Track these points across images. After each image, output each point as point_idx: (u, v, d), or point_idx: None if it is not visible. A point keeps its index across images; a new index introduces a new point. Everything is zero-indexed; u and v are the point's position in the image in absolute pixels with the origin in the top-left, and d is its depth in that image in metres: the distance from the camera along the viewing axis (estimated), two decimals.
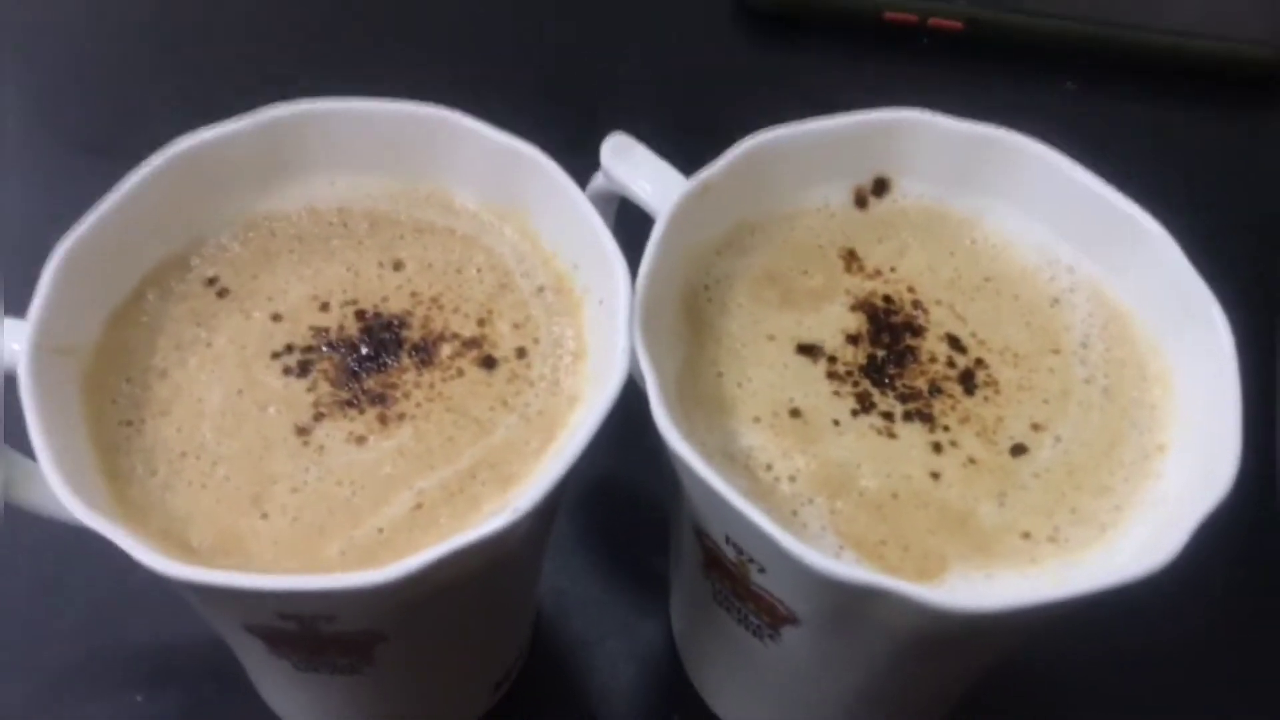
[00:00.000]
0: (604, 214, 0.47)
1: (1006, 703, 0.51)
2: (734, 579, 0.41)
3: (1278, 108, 0.82)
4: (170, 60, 0.79)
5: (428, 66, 0.76)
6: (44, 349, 0.38)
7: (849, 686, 0.43)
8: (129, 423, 0.39)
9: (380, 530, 0.37)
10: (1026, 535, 0.38)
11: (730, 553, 0.39)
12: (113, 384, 0.40)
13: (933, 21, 0.81)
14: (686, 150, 0.46)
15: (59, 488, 0.34)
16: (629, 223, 0.47)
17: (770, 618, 0.41)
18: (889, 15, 0.81)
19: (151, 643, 0.53)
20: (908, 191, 0.47)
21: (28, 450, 0.36)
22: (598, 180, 0.47)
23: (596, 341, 0.41)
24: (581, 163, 0.47)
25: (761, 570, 0.38)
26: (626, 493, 0.54)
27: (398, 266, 0.44)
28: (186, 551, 0.36)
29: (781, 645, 0.42)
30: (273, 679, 0.46)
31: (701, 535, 0.41)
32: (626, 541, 0.58)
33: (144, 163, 0.42)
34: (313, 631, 0.37)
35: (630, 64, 0.79)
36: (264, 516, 0.37)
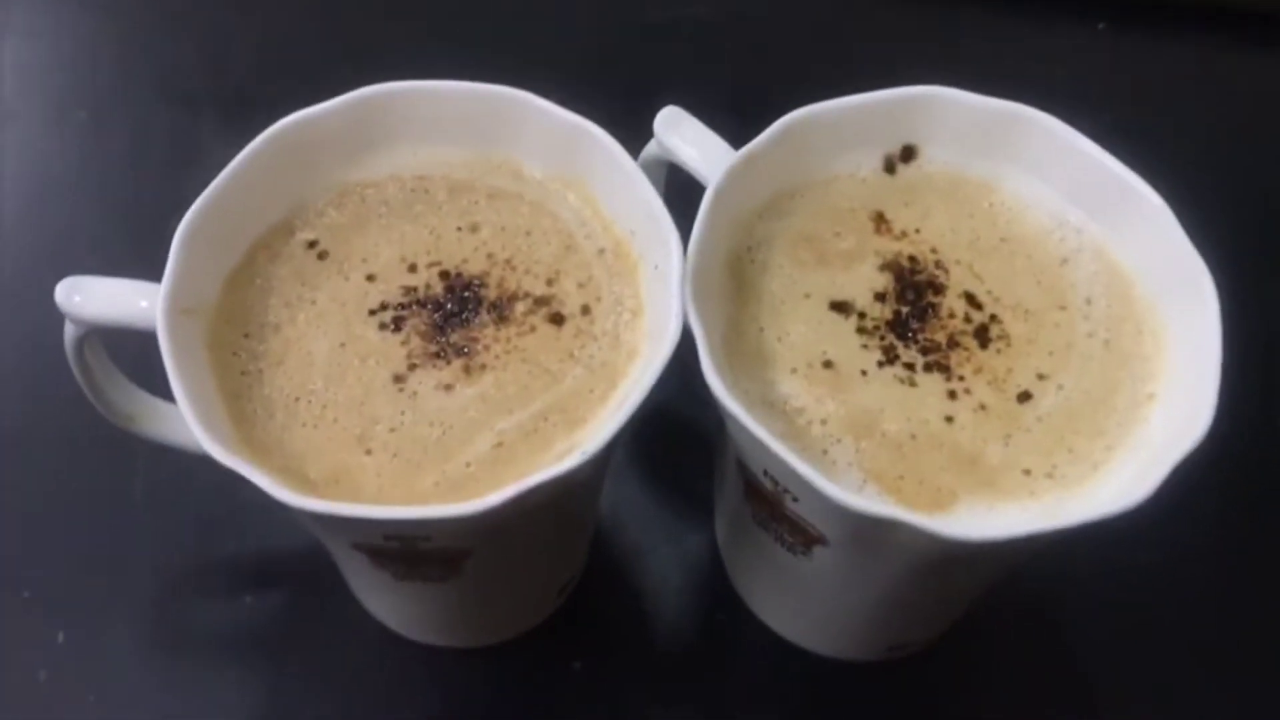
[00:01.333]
0: (656, 179, 0.52)
1: (1012, 610, 0.57)
2: (771, 505, 0.47)
3: None
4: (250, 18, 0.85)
5: (498, 49, 0.81)
6: (174, 311, 0.44)
7: (871, 595, 0.50)
8: (248, 373, 0.46)
9: (468, 465, 0.43)
10: (1027, 472, 0.44)
11: (768, 484, 0.45)
12: (233, 339, 0.46)
13: None
14: (733, 123, 0.51)
15: (200, 434, 0.40)
16: (679, 186, 0.52)
17: (803, 538, 0.47)
18: None
19: (258, 552, 0.60)
20: (933, 159, 0.51)
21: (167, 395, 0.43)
22: (651, 148, 0.52)
23: (653, 301, 0.47)
24: (638, 132, 0.52)
25: (795, 500, 0.44)
26: (677, 425, 0.60)
27: (474, 229, 0.50)
28: (305, 484, 0.43)
29: (812, 560, 0.48)
30: (373, 587, 0.53)
31: (743, 468, 0.47)
32: (676, 466, 0.64)
33: (251, 143, 0.47)
34: (412, 549, 0.44)
35: (683, 41, 0.84)
36: (368, 453, 0.44)
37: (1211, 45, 0.85)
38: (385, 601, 0.55)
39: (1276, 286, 0.70)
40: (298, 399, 0.45)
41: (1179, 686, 0.57)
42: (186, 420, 0.41)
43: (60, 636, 0.57)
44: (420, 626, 0.56)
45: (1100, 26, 0.85)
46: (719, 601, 0.60)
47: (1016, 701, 0.56)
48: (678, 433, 0.62)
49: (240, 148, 0.48)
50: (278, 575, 0.60)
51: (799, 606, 0.55)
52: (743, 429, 0.41)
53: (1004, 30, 0.85)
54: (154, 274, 0.45)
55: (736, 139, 0.50)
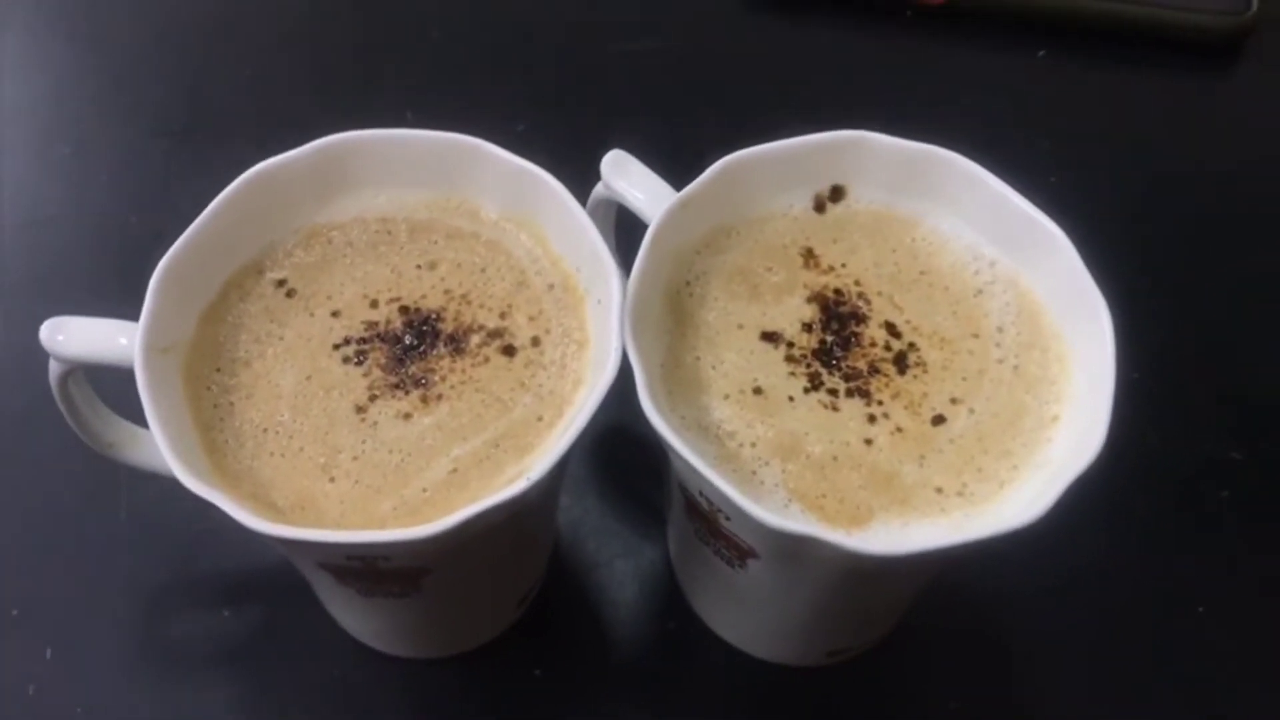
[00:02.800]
0: (605, 216, 0.56)
1: (949, 615, 0.61)
2: (708, 522, 0.50)
3: (1236, 75, 0.89)
4: (235, 49, 0.89)
5: (454, 95, 0.85)
6: (151, 350, 0.47)
7: (803, 604, 0.53)
8: (220, 405, 0.49)
9: (424, 490, 0.47)
10: (939, 490, 0.48)
11: (704, 503, 0.49)
12: (207, 373, 0.50)
13: None
14: (674, 163, 0.55)
15: (174, 466, 0.44)
16: (626, 222, 0.56)
17: (737, 553, 0.51)
18: None
19: (235, 569, 0.64)
20: (860, 198, 0.55)
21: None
22: (599, 189, 0.56)
23: (597, 332, 0.51)
24: (588, 170, 0.56)
25: (727, 519, 0.48)
26: (632, 443, 0.63)
27: (433, 266, 0.53)
28: (273, 510, 0.46)
29: (748, 572, 0.52)
30: (340, 602, 0.57)
31: (683, 488, 0.51)
32: (631, 482, 0.68)
33: (225, 189, 0.51)
34: (373, 568, 0.47)
35: (629, 85, 0.88)
36: (332, 480, 0.47)
37: (1140, 74, 0.89)
38: (353, 616, 0.58)
39: (1173, 306, 0.75)
40: (266, 430, 0.49)
41: (1102, 683, 0.61)
42: (162, 453, 0.44)
43: (48, 652, 0.60)
44: (387, 639, 0.59)
45: (1041, 54, 0.89)
46: (671, 611, 0.63)
47: (953, 702, 0.60)
48: (633, 450, 0.65)
49: (218, 179, 0.51)
50: (254, 591, 0.63)
51: (741, 615, 0.59)
52: (678, 455, 0.45)
53: (953, 57, 0.89)
54: (137, 304, 0.48)
55: (678, 178, 0.54)
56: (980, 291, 0.53)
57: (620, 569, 0.65)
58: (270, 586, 0.63)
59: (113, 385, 0.54)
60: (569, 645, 0.62)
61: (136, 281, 0.49)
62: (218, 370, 0.50)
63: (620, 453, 0.67)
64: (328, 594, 0.57)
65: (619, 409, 0.47)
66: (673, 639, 0.63)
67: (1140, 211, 0.80)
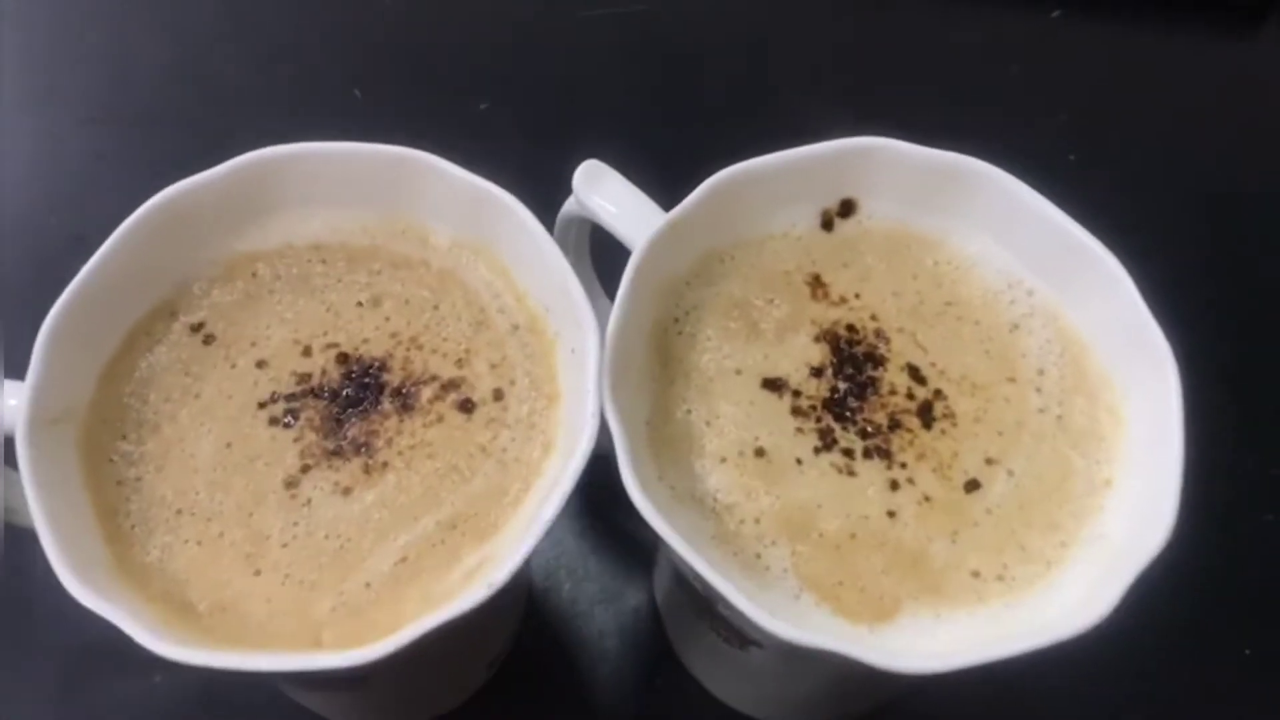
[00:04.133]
0: (578, 237, 0.48)
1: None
2: (706, 604, 0.43)
3: (1260, 37, 0.81)
4: (165, 24, 0.79)
5: (408, 72, 0.75)
6: (40, 422, 0.40)
7: (815, 687, 0.47)
8: (125, 481, 0.41)
9: (368, 585, 0.40)
10: (976, 574, 0.40)
11: (699, 587, 0.41)
12: (109, 443, 0.42)
13: None
14: (659, 175, 0.47)
15: (64, 574, 0.36)
16: (602, 241, 0.48)
17: (738, 639, 0.44)
18: None
19: None
20: (873, 212, 0.47)
21: None
22: (570, 206, 0.48)
23: (569, 385, 0.43)
24: (557, 189, 0.48)
25: (726, 609, 0.41)
26: (610, 462, 0.57)
27: (376, 303, 0.46)
28: (188, 613, 0.39)
29: (750, 655, 0.45)
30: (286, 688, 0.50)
31: (677, 567, 0.44)
32: (609, 512, 0.60)
33: (125, 221, 0.43)
34: (307, 680, 0.40)
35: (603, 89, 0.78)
36: (257, 573, 0.40)
37: (1159, 34, 0.81)
38: (300, 698, 0.51)
39: (1240, 342, 0.66)
40: (179, 511, 0.41)
41: None
42: (48, 555, 0.37)
43: None
44: (339, 715, 0.52)
45: (1055, 14, 0.81)
46: (659, 665, 0.56)
47: None
48: (613, 475, 0.59)
49: (149, 174, 0.44)
50: None
51: (742, 685, 0.52)
52: (670, 549, 0.38)
53: (961, 18, 0.81)
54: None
55: (662, 192, 0.46)
56: (1016, 326, 0.45)
57: (600, 617, 0.58)
58: None
59: None
60: (545, 708, 0.56)
61: (52, 295, 0.41)
62: (122, 438, 0.42)
63: (598, 477, 0.60)
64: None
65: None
66: (661, 697, 0.56)
67: (1172, 203, 0.72)
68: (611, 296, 0.43)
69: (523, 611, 0.55)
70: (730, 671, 0.51)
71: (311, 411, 0.43)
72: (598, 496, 0.59)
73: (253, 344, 0.44)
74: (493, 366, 0.44)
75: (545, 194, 0.46)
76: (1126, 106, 0.78)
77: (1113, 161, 0.73)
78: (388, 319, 0.45)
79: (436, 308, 0.46)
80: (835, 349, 0.45)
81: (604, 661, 0.57)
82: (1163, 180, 0.73)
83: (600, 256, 0.52)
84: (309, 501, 0.41)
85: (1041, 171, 0.45)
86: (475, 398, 0.43)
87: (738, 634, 0.43)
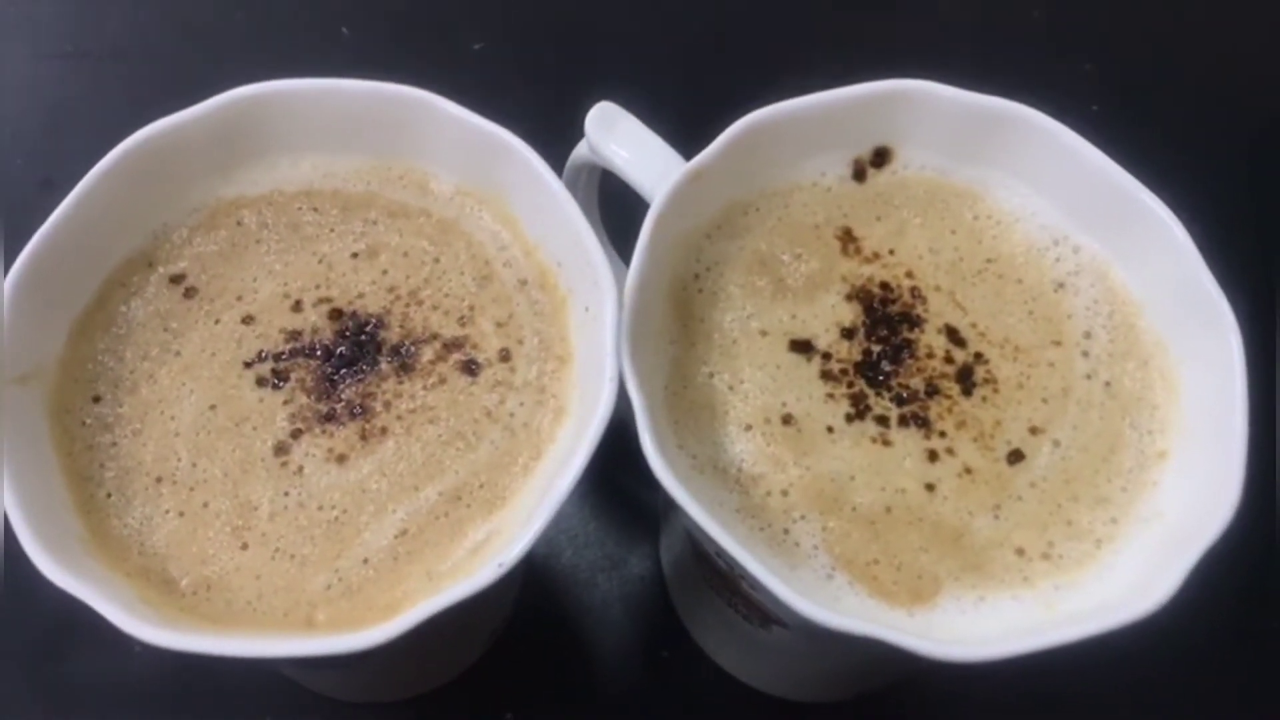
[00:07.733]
0: (586, 185, 0.45)
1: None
2: (726, 580, 0.40)
3: None
4: None
5: (401, 41, 0.71)
6: (5, 380, 0.36)
7: (838, 662, 0.44)
8: (97, 446, 0.38)
9: (365, 561, 0.37)
10: (1020, 552, 0.38)
11: (721, 564, 0.39)
12: (81, 404, 0.39)
13: None
14: (677, 119, 0.43)
15: (32, 548, 0.33)
16: (615, 188, 0.45)
17: (760, 616, 0.41)
18: None
19: None
20: (909, 162, 0.44)
21: None
22: (581, 150, 0.44)
23: (583, 345, 0.40)
24: (568, 133, 0.44)
25: (753, 587, 0.38)
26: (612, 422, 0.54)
27: (372, 255, 0.42)
28: (170, 590, 0.36)
29: (772, 634, 0.42)
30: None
31: (694, 540, 0.41)
32: (613, 472, 0.57)
33: (100, 162, 0.39)
34: (298, 661, 0.37)
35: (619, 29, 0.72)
36: (244, 547, 0.37)
37: None
38: (295, 675, 0.48)
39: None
40: (159, 479, 0.38)
41: None
42: (16, 529, 0.34)
43: None
44: (339, 693, 0.49)
45: None
46: (665, 635, 0.54)
47: None
48: (615, 436, 0.56)
49: (123, 113, 0.40)
50: None
51: (757, 661, 0.49)
52: (692, 521, 0.35)
53: None
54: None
55: (681, 137, 0.43)
56: (1062, 285, 0.42)
57: (604, 585, 0.55)
58: None
59: None
60: (547, 681, 0.53)
61: (19, 243, 0.38)
62: (95, 400, 0.39)
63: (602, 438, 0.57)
64: None
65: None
66: (668, 670, 0.53)
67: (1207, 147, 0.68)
68: (620, 250, 0.39)
69: (522, 578, 0.52)
70: (745, 648, 0.48)
71: (303, 372, 0.40)
72: (600, 457, 0.57)
73: (238, 298, 0.41)
74: (499, 325, 0.41)
75: (548, 141, 0.43)
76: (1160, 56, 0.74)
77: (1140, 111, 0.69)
78: (385, 272, 0.42)
79: (438, 260, 0.42)
80: (868, 308, 0.42)
81: (608, 632, 0.55)
82: (1198, 132, 0.70)
83: (608, 218, 0.48)
84: (300, 469, 0.38)
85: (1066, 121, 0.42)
86: (480, 358, 0.40)
87: (759, 611, 0.40)
